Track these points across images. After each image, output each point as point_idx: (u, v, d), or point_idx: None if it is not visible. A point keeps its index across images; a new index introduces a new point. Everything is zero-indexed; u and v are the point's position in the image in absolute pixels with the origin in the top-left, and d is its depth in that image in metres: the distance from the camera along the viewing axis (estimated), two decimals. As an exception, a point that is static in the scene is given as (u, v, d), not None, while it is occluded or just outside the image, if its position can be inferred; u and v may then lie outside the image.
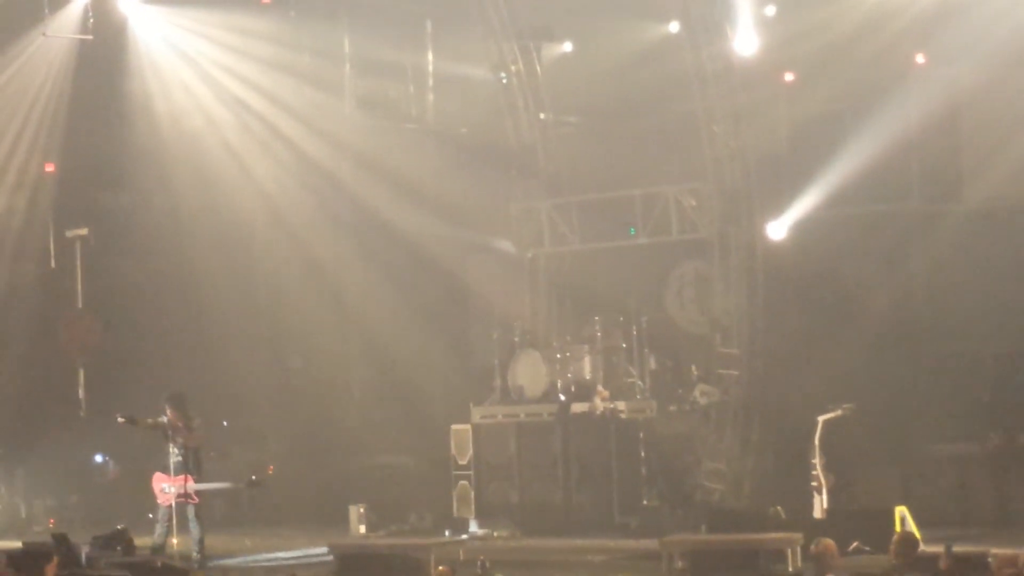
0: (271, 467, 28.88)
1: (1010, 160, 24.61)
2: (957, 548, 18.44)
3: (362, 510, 25.58)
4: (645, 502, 24.58)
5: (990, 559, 16.93)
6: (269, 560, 22.79)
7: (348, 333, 29.53)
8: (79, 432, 29.16)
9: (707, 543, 20.59)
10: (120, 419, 22.64)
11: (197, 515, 22.12)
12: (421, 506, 26.57)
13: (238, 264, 30.11)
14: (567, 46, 29.07)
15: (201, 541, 22.03)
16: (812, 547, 17.59)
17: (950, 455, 24.28)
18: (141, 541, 22.60)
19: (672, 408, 25.60)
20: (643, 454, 24.94)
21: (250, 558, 23.09)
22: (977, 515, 23.11)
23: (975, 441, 24.24)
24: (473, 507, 25.50)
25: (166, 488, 22.34)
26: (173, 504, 22.13)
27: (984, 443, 24.11)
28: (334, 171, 29.32)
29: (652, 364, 25.76)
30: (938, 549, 18.66)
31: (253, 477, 24.31)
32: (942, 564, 16.72)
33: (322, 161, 29.20)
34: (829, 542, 17.67)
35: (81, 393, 29.98)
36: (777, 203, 25.27)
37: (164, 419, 22.37)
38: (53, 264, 30.27)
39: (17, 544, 22.71)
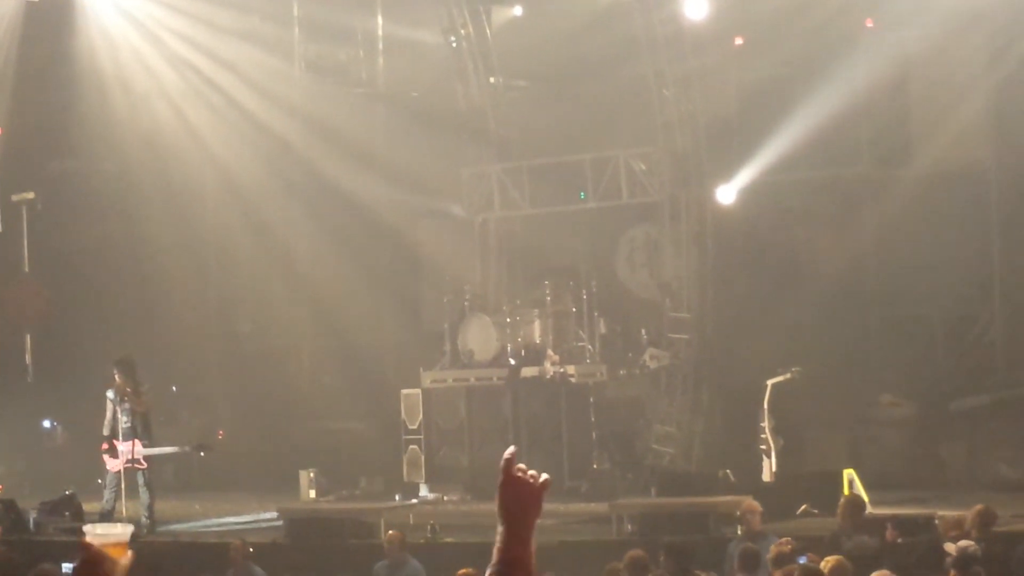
0: (221, 432, 28.81)
1: (959, 124, 24.69)
2: (904, 511, 18.62)
3: (312, 475, 25.54)
4: (595, 466, 24.61)
5: (936, 521, 17.07)
6: (219, 525, 22.79)
7: (298, 298, 29.42)
8: (26, 398, 28.99)
9: (657, 506, 20.68)
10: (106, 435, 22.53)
11: (147, 481, 22.08)
12: (371, 470, 26.55)
13: (187, 228, 29.96)
14: (517, 10, 28.97)
15: (150, 506, 22.01)
16: (737, 510, 17.82)
17: (897, 417, 24.41)
18: (90, 507, 22.53)
19: (622, 372, 25.62)
20: (593, 418, 24.96)
21: (200, 523, 23.07)
22: (924, 478, 23.24)
23: (923, 404, 24.39)
24: (423, 471, 25.51)
25: (117, 451, 22.29)
26: (122, 470, 22.08)
27: (932, 406, 24.25)
28: (284, 135, 29.16)
29: (602, 328, 25.75)
30: (887, 512, 18.85)
31: (201, 443, 24.28)
32: (888, 535, 16.86)
33: (272, 125, 29.05)
34: (751, 502, 17.89)
35: (28, 359, 29.79)
36: (727, 167, 25.28)
37: (109, 393, 22.33)
38: (-1, 229, 30.06)
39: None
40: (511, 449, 4.85)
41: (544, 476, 4.80)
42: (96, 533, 4.65)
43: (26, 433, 29.09)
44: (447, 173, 28.00)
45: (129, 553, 4.63)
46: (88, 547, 4.60)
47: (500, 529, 4.80)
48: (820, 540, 16.96)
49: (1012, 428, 23.30)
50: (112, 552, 4.61)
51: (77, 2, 28.74)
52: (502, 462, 4.80)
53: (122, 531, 4.68)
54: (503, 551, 4.75)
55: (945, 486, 22.66)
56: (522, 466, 4.79)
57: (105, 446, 22.33)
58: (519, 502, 4.76)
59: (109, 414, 22.40)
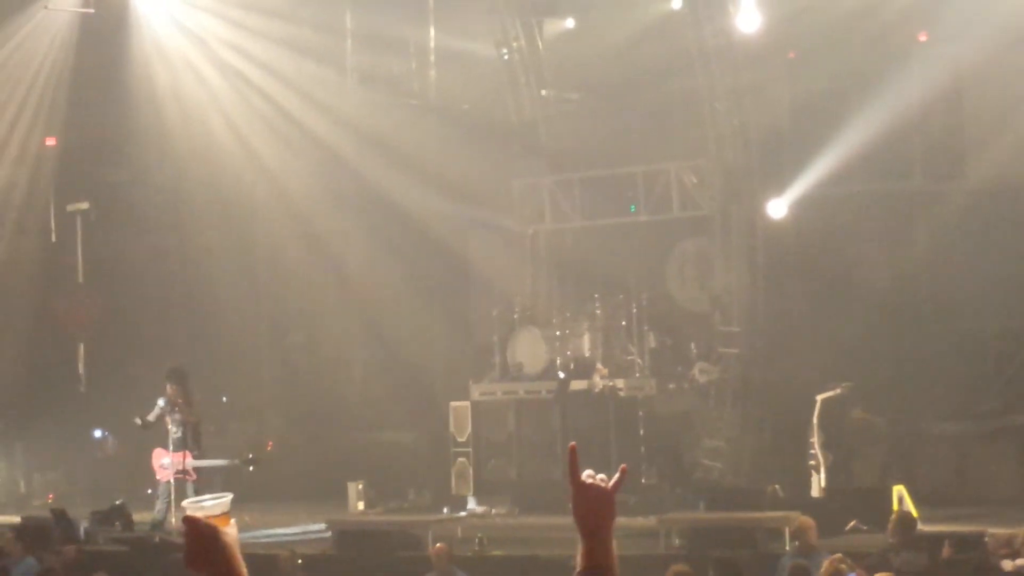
0: (270, 443, 28.91)
1: (1013, 137, 24.50)
2: (953, 528, 18.49)
3: (361, 486, 25.58)
4: (644, 480, 24.54)
5: (987, 539, 16.95)
6: (268, 536, 22.80)
7: (348, 309, 29.48)
8: (79, 407, 29.19)
9: (705, 521, 20.61)
10: (138, 421, 22.74)
11: (197, 491, 22.14)
12: (420, 483, 26.58)
13: (239, 239, 30.11)
14: (569, 22, 28.96)
15: (200, 517, 22.05)
16: (793, 526, 17.72)
17: (949, 433, 24.25)
18: (140, 516, 22.65)
19: (671, 386, 25.56)
20: (642, 432, 24.90)
21: (249, 534, 23.02)
22: (974, 494, 23.07)
23: (974, 420, 24.21)
24: (471, 484, 25.48)
25: (165, 463, 22.39)
26: (172, 480, 22.18)
27: (983, 422, 24.08)
28: (335, 147, 29.23)
29: (652, 342, 25.70)
30: (937, 528, 18.72)
31: (250, 455, 24.35)
32: (945, 552, 16.75)
33: (323, 137, 29.13)
34: (806, 518, 17.81)
35: (81, 368, 29.99)
36: (779, 181, 25.18)
37: (161, 401, 22.44)
38: (54, 238, 30.29)
39: (16, 519, 22.81)
40: (572, 444, 4.76)
41: (617, 475, 4.70)
42: (199, 507, 4.58)
43: (78, 442, 29.29)
44: (498, 185, 28.01)
45: (232, 521, 4.57)
46: (195, 520, 4.51)
47: (581, 538, 4.72)
48: (869, 556, 16.86)
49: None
50: (217, 522, 4.55)
51: (131, 14, 28.91)
52: (568, 468, 4.73)
53: (223, 500, 4.62)
54: (587, 558, 4.70)
55: (995, 503, 22.47)
56: (590, 471, 4.73)
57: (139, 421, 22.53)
58: (592, 509, 4.69)
59: (154, 414, 22.48)
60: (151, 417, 22.62)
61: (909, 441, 24.32)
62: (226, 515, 4.57)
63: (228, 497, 4.64)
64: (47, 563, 18.83)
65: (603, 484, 4.72)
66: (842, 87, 25.36)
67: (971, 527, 19.09)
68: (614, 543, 4.68)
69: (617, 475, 4.68)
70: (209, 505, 4.56)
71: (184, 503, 4.85)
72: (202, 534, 4.48)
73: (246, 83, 29.12)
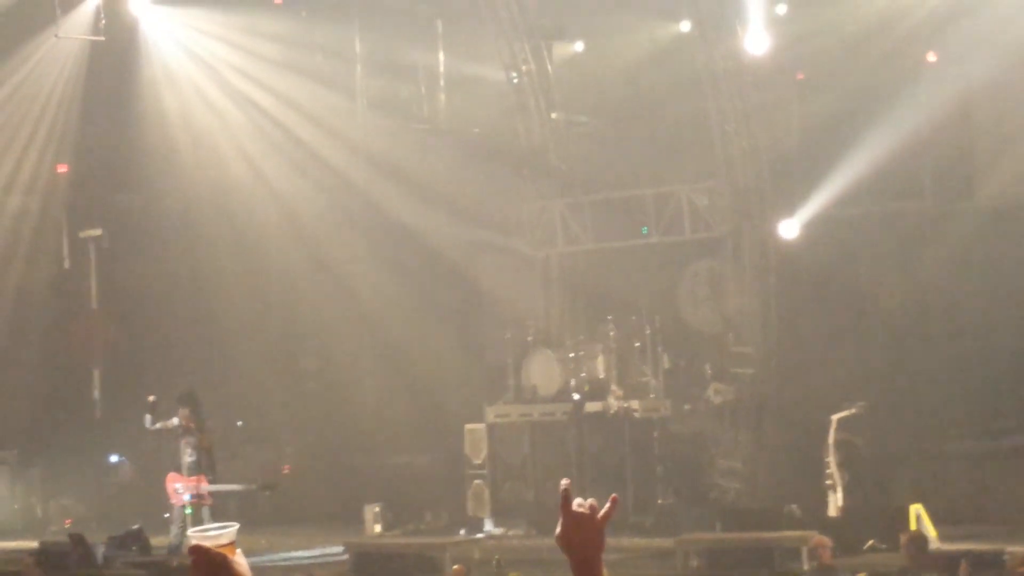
0: (286, 467, 28.97)
1: (1022, 157, 24.63)
2: (971, 546, 18.55)
3: (377, 509, 25.64)
4: (660, 501, 24.62)
5: (1005, 557, 17.02)
6: (285, 559, 22.86)
7: (361, 333, 29.56)
8: (94, 432, 29.25)
9: (722, 541, 20.68)
10: (151, 398, 22.75)
11: (212, 515, 22.21)
12: (436, 505, 26.62)
13: (251, 264, 30.18)
14: (578, 45, 29.06)
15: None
16: (810, 546, 17.77)
17: (964, 452, 24.30)
18: (157, 541, 22.69)
19: (686, 407, 25.63)
20: (657, 453, 24.98)
21: (266, 557, 23.13)
22: (992, 512, 23.12)
23: (991, 438, 24.27)
24: (488, 506, 25.54)
25: (179, 488, 22.43)
26: (187, 504, 22.22)
27: (1000, 440, 24.14)
28: (346, 172, 29.34)
29: (666, 363, 25.76)
30: (955, 547, 18.79)
31: (266, 481, 24.41)
32: (962, 571, 16.82)
33: (334, 162, 29.25)
34: (821, 537, 17.88)
35: (96, 394, 30.07)
36: (789, 202, 25.29)
37: (175, 420, 22.49)
38: (67, 265, 30.39)
39: (33, 544, 22.87)
40: (565, 481, 4.82)
41: (607, 505, 4.62)
42: (205, 536, 4.37)
43: (94, 468, 29.35)
44: (509, 209, 28.11)
45: (239, 551, 4.38)
46: (204, 550, 4.32)
47: (571, 566, 4.66)
48: (888, 576, 16.96)
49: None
50: (225, 552, 4.35)
51: (141, 41, 29.05)
52: (560, 497, 4.67)
53: (230, 530, 4.42)
54: None
55: (1013, 521, 22.51)
56: (579, 500, 4.76)
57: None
58: (581, 538, 4.63)
59: (165, 424, 22.50)
60: (159, 425, 22.62)
61: (924, 460, 24.38)
62: (232, 544, 4.40)
63: (235, 527, 4.48)
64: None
65: (593, 512, 4.74)
66: (851, 108, 25.46)
67: (990, 545, 19.18)
68: (605, 571, 4.70)
69: (608, 505, 4.61)
70: (214, 534, 4.39)
71: (190, 532, 4.81)
72: (212, 563, 4.34)
73: (256, 108, 29.24)
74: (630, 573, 19.51)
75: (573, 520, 4.64)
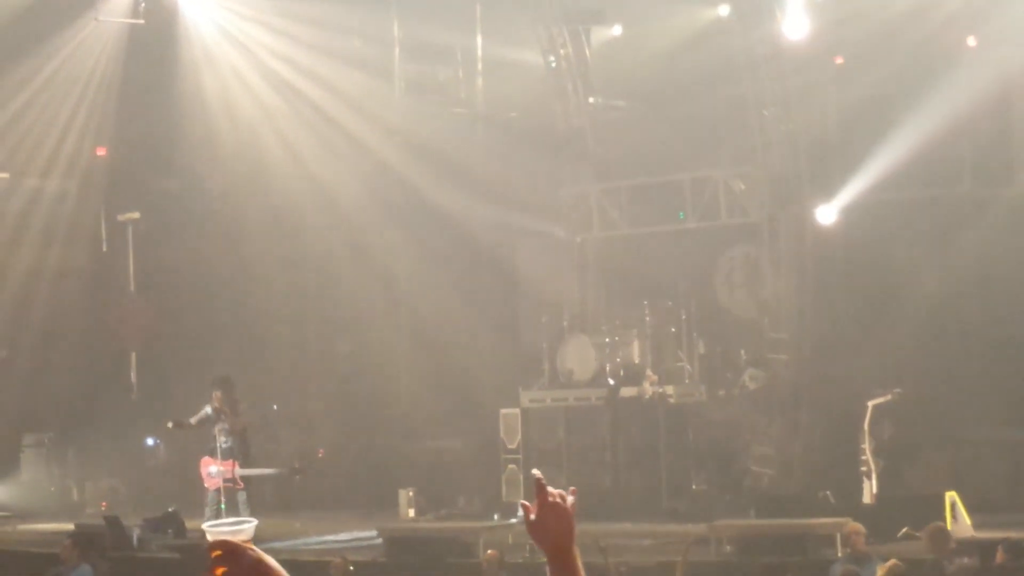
0: (321, 451, 29.01)
1: (1062, 144, 24.46)
2: (1006, 534, 18.42)
3: (411, 494, 25.67)
4: (694, 486, 24.57)
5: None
6: (319, 543, 22.90)
7: (397, 318, 29.58)
8: (131, 415, 29.36)
9: (756, 528, 20.61)
10: (170, 425, 22.91)
11: (247, 500, 22.26)
12: (470, 490, 26.64)
13: (288, 248, 30.22)
14: (616, 29, 28.98)
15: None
16: (844, 533, 17.67)
17: (1000, 440, 24.15)
18: (192, 523, 22.76)
19: (721, 393, 25.57)
20: (692, 438, 24.93)
21: (300, 541, 23.20)
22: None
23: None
24: (522, 491, 25.52)
25: (213, 472, 22.49)
26: (221, 488, 22.29)
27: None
28: (383, 155, 29.35)
29: (701, 348, 25.71)
30: (990, 535, 18.67)
31: (296, 465, 24.45)
32: (998, 558, 16.73)
33: (371, 145, 29.25)
34: (855, 524, 17.77)
35: (133, 376, 30.18)
36: (827, 187, 25.14)
37: (208, 409, 22.53)
38: (105, 248, 30.51)
39: (69, 526, 22.99)
40: (537, 472, 4.77)
41: (571, 498, 4.70)
42: (221, 531, 4.25)
43: (130, 451, 29.47)
44: (546, 193, 28.05)
45: (257, 550, 4.17)
46: (235, 546, 4.10)
47: (547, 558, 4.70)
48: (922, 563, 16.85)
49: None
50: None
51: (180, 25, 29.12)
52: (535, 487, 4.71)
53: (248, 527, 4.32)
54: None
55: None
56: (551, 490, 4.75)
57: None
58: (557, 527, 4.67)
59: (197, 418, 22.58)
60: (193, 420, 22.71)
61: (960, 447, 24.25)
62: (249, 543, 4.22)
63: (253, 523, 4.37)
64: (101, 570, 19.01)
65: (562, 501, 4.68)
66: (890, 93, 25.29)
67: (1024, 533, 19.04)
68: (579, 560, 4.68)
69: (571, 497, 4.70)
70: (229, 530, 4.26)
71: (203, 526, 4.69)
72: (235, 553, 4.08)
73: (294, 92, 29.27)
74: (663, 558, 19.44)
75: (551, 509, 4.66)
